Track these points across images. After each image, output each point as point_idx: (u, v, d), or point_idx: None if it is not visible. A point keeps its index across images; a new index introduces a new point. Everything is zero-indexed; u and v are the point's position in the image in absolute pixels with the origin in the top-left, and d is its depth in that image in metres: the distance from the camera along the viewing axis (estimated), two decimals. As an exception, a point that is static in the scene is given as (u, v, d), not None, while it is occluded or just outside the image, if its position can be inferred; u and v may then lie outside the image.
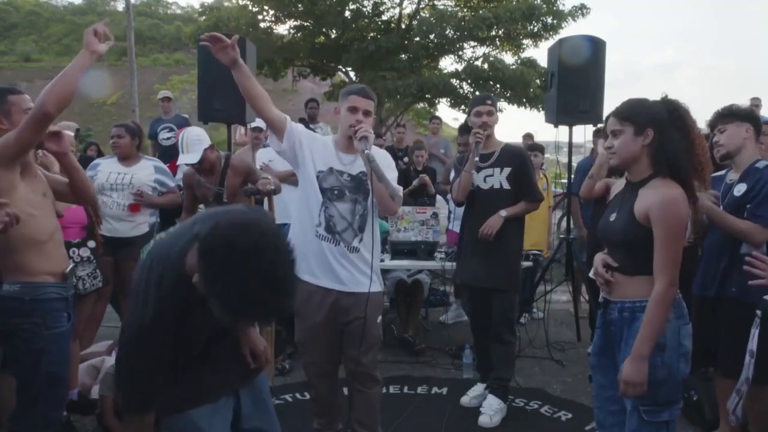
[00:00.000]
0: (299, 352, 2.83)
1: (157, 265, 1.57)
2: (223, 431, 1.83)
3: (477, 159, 3.28)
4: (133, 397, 1.57)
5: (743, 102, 3.12)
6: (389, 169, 2.56)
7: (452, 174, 3.69)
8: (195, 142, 3.46)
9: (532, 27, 13.40)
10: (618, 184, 2.19)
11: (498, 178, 3.36)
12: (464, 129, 4.74)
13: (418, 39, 13.57)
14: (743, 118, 2.72)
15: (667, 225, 1.86)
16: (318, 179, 2.55)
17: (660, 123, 1.94)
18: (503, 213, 3.31)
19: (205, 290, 1.34)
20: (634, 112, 1.97)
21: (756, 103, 7.11)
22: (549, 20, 13.08)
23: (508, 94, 13.88)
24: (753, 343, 2.23)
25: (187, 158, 3.48)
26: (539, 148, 5.60)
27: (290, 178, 4.00)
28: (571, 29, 13.37)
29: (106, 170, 4.02)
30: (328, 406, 2.72)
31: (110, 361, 3.26)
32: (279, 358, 3.95)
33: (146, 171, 4.08)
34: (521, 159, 3.39)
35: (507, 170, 3.35)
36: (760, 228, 2.59)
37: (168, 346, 1.58)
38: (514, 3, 12.93)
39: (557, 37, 9.99)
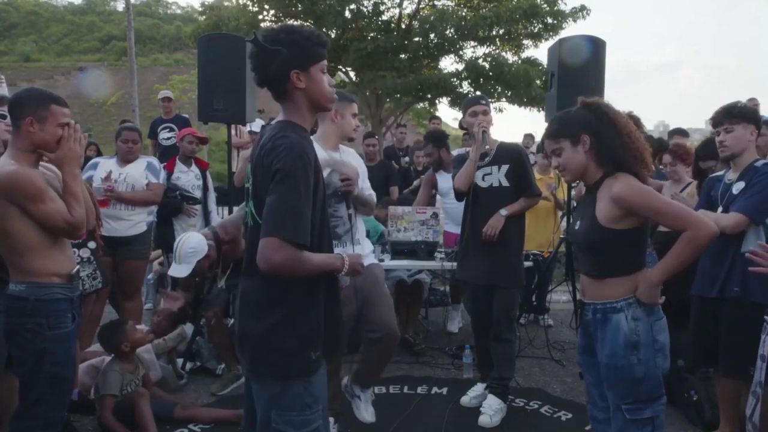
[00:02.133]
0: None
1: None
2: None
3: (487, 147, 3.29)
4: (293, 226, 1.61)
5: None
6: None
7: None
8: (189, 254, 3.35)
9: (532, 27, 13.39)
10: None
11: (496, 176, 3.37)
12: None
13: (418, 39, 13.55)
14: (750, 119, 2.73)
15: (643, 198, 1.89)
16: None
17: (590, 126, 1.99)
18: (504, 212, 3.32)
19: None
20: (564, 126, 2.04)
21: (754, 103, 7.10)
22: (549, 20, 13.07)
23: (509, 94, 13.87)
24: (764, 348, 2.23)
25: (178, 270, 3.41)
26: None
27: None
28: (571, 29, 13.37)
29: (103, 170, 4.03)
30: None
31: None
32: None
33: (139, 169, 4.11)
34: (518, 155, 3.40)
35: (505, 167, 3.36)
36: (740, 216, 2.59)
37: (311, 187, 1.68)
38: (515, 2, 12.91)
39: (557, 37, 10.00)
